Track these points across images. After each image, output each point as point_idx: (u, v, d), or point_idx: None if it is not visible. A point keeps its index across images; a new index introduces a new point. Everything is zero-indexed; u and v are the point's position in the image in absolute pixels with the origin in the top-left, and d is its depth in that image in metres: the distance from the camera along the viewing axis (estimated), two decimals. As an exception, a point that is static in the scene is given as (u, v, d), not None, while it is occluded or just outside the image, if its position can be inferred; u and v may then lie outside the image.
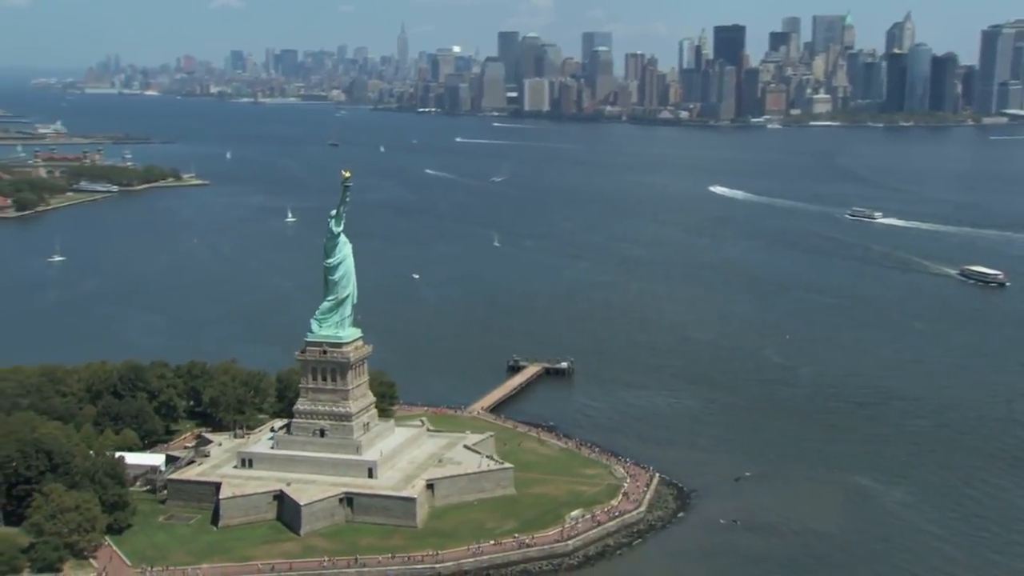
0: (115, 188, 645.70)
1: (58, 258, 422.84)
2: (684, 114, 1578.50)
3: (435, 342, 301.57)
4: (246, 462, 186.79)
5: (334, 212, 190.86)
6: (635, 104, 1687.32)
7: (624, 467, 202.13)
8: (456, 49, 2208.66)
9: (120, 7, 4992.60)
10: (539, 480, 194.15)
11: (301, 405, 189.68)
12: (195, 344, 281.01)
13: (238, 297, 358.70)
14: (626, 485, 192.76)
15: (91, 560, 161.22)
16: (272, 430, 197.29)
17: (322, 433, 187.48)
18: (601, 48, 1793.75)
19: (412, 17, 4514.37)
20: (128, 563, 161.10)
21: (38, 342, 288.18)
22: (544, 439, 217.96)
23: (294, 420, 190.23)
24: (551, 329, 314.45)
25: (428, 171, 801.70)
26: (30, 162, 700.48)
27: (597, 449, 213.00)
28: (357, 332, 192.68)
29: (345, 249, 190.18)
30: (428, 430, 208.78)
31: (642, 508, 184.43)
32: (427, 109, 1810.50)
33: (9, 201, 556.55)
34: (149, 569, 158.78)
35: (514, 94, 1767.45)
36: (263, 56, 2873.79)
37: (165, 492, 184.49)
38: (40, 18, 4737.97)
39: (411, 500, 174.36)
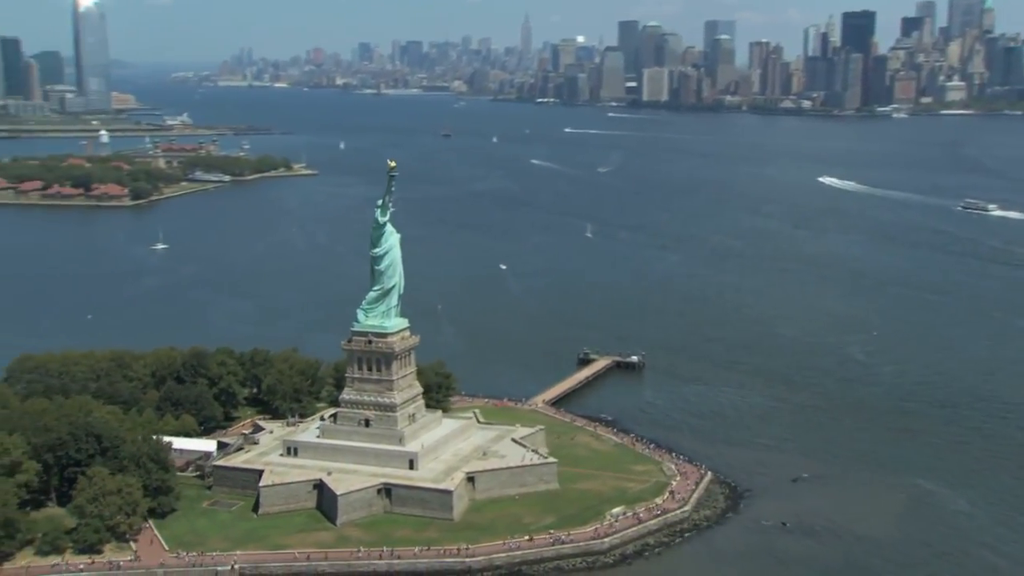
0: (227, 178, 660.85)
1: (161, 246, 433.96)
2: (806, 103, 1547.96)
3: (510, 333, 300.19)
4: (292, 450, 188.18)
5: (380, 202, 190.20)
6: (756, 94, 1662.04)
7: (676, 464, 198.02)
8: (580, 39, 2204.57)
9: (255, 1, 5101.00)
10: (586, 475, 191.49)
11: (347, 395, 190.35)
12: (274, 331, 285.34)
13: (324, 286, 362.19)
14: (674, 483, 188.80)
15: (131, 543, 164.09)
16: (322, 419, 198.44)
17: (367, 423, 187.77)
18: (723, 37, 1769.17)
19: (539, 7, 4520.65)
20: (165, 547, 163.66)
21: (125, 326, 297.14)
22: (600, 434, 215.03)
23: (340, 409, 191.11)
24: (628, 322, 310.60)
25: (534, 161, 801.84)
26: (151, 153, 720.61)
27: (652, 445, 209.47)
28: (403, 322, 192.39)
29: (391, 239, 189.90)
30: (478, 422, 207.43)
31: (687, 507, 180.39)
32: (545, 99, 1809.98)
33: (125, 190, 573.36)
34: (184, 554, 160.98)
35: (633, 84, 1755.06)
36: (389, 48, 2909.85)
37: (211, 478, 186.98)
38: (181, 15, 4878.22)
39: (448, 493, 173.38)
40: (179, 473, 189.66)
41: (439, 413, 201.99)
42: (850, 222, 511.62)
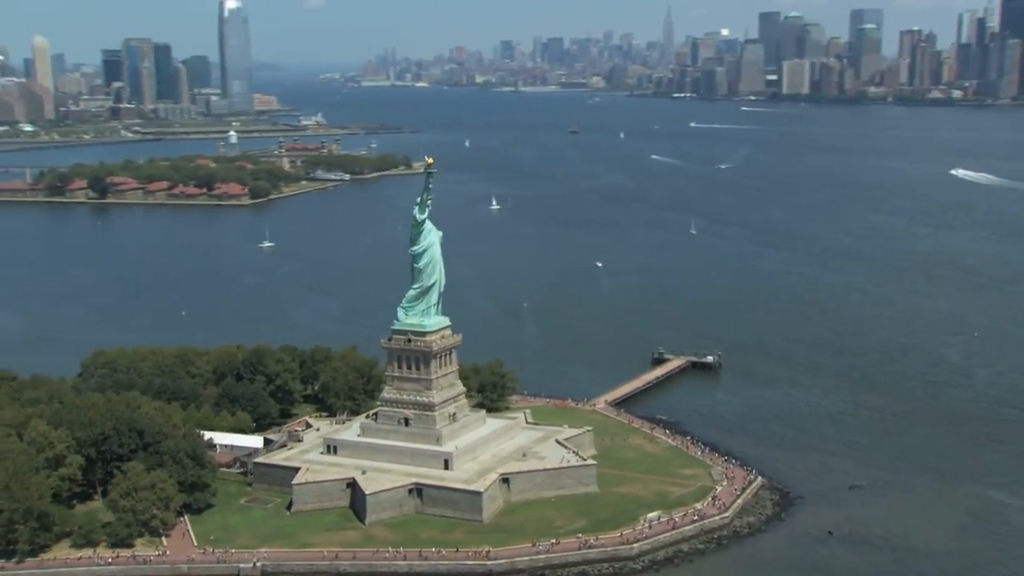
0: (347, 177, 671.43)
1: (267, 244, 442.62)
2: (957, 93, 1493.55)
3: (591, 332, 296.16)
4: (331, 448, 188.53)
5: (418, 200, 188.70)
6: (903, 84, 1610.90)
7: (727, 469, 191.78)
8: (724, 32, 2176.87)
9: (399, 1, 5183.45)
10: (629, 478, 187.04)
11: (387, 393, 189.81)
12: (354, 329, 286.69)
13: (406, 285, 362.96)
14: (719, 488, 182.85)
15: (163, 538, 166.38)
16: (367, 417, 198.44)
17: (406, 422, 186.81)
18: (869, 26, 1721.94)
19: (687, 1, 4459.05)
20: (195, 543, 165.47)
21: (214, 323, 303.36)
22: (656, 436, 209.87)
23: (381, 408, 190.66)
24: (715, 321, 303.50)
25: (654, 157, 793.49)
26: (275, 152, 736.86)
27: (707, 448, 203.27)
28: (444, 321, 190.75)
29: (430, 237, 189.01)
30: (527, 422, 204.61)
31: (727, 513, 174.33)
32: (682, 94, 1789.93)
33: (245, 189, 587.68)
34: (211, 550, 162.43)
35: (773, 77, 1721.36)
36: (530, 45, 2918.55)
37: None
38: (333, 17, 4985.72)
39: (477, 494, 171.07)
40: (224, 469, 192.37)
41: (482, 413, 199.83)
42: (976, 217, 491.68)
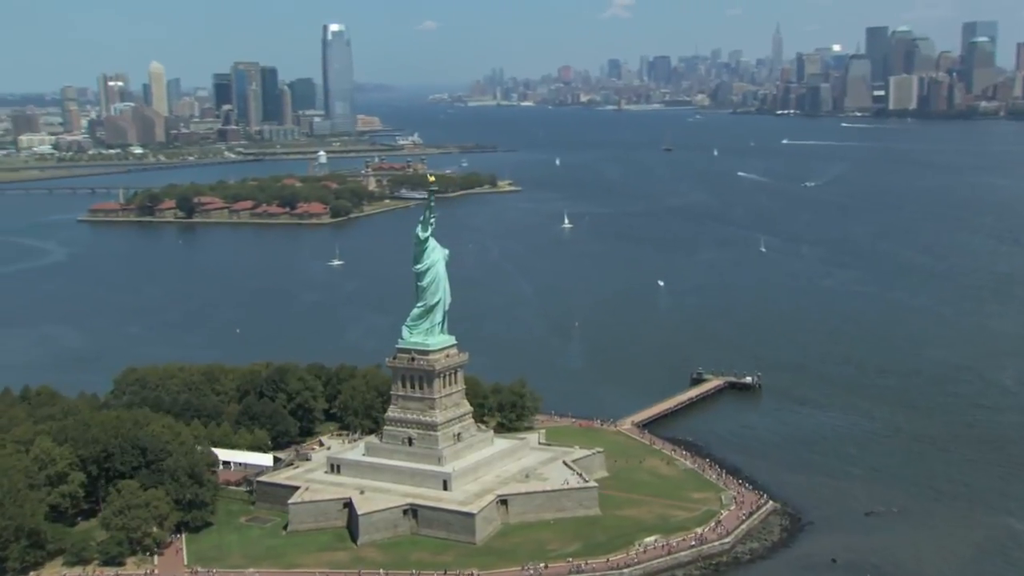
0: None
1: (337, 262, 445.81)
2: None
3: (637, 351, 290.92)
4: (335, 467, 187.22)
5: (421, 217, 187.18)
6: (1016, 98, 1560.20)
7: (739, 492, 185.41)
8: (836, 48, 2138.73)
9: (509, 22, 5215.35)
10: (635, 501, 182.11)
11: (392, 412, 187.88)
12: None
13: (471, 302, 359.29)
14: (725, 512, 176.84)
15: (156, 556, 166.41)
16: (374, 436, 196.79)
17: (410, 442, 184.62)
18: (981, 39, 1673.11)
19: (796, 17, 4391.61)
20: (185, 562, 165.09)
21: (265, 340, 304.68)
22: (675, 458, 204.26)
23: (385, 427, 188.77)
24: (766, 341, 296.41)
25: (741, 174, 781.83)
26: (362, 172, 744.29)
27: (724, 471, 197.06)
28: (449, 339, 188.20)
29: (434, 255, 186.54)
30: (539, 443, 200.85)
31: (728, 538, 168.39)
32: (786, 111, 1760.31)
33: (326, 208, 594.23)
34: (200, 570, 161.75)
35: (880, 93, 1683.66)
36: (637, 63, 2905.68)
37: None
38: (445, 38, 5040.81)
39: (470, 515, 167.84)
40: (233, 487, 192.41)
41: (490, 433, 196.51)
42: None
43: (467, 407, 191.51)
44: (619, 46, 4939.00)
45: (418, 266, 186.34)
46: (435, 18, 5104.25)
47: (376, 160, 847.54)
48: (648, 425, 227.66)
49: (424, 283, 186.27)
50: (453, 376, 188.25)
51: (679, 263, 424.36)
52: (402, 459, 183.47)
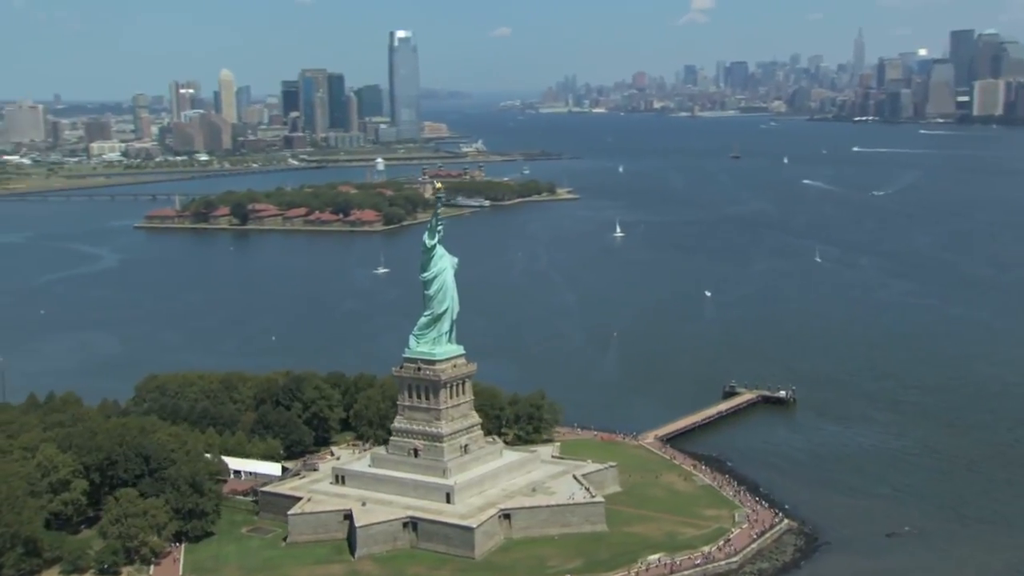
0: (486, 203, 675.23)
1: (382, 270, 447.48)
2: None
3: (674, 363, 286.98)
4: (340, 479, 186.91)
5: (429, 225, 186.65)
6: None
7: (754, 510, 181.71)
8: (922, 52, 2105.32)
9: (584, 28, 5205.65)
10: (644, 518, 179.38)
11: (398, 423, 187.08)
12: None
13: (512, 311, 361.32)
14: (736, 530, 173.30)
15: (152, 565, 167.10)
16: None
17: (415, 453, 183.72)
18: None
19: (885, 21, 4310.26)
20: (180, 573, 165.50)
21: (298, 348, 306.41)
22: (694, 473, 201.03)
23: (391, 438, 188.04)
24: (808, 354, 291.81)
25: (806, 182, 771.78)
26: (419, 179, 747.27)
27: (743, 488, 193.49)
28: (456, 349, 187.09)
29: (441, 263, 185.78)
30: (551, 456, 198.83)
31: (736, 558, 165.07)
32: (864, 118, 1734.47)
33: (379, 216, 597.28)
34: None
35: (965, 99, 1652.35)
36: (714, 69, 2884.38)
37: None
38: (518, 44, 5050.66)
39: (469, 530, 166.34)
40: (240, 497, 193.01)
41: (499, 445, 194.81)
42: None
43: (475, 419, 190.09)
44: (695, 52, 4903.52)
45: (425, 274, 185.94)
46: (509, 24, 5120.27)
47: (438, 167, 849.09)
48: (672, 439, 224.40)
49: (431, 291, 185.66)
50: (461, 387, 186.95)
51: (729, 273, 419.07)
52: (407, 471, 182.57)
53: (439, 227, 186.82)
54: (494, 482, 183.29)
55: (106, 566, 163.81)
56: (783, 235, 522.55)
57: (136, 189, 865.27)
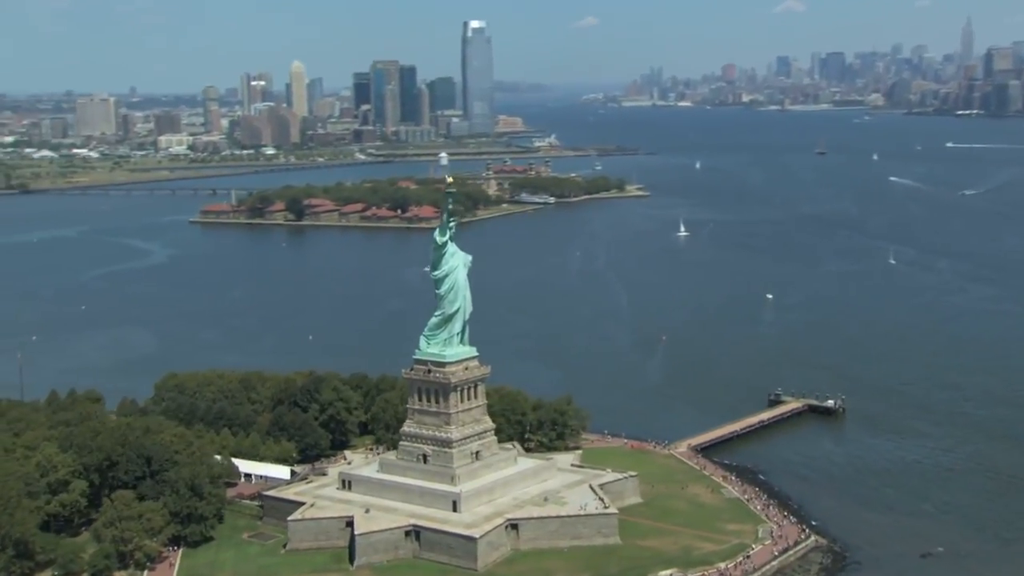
0: (551, 200, 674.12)
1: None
2: None
3: (720, 368, 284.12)
4: (346, 484, 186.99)
5: (440, 221, 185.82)
6: None
7: (780, 526, 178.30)
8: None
9: (673, 18, 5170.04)
10: (662, 531, 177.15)
11: (407, 427, 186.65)
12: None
13: (560, 313, 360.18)
14: (758, 546, 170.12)
15: (146, 570, 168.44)
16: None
17: (424, 459, 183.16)
18: None
19: (1000, 7, 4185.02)
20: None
21: (333, 348, 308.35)
22: (723, 485, 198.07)
23: (401, 443, 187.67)
24: (868, 361, 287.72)
25: (892, 179, 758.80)
26: (483, 175, 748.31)
27: (773, 502, 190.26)
28: (468, 351, 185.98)
29: (452, 261, 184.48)
30: (571, 464, 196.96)
31: (755, 575, 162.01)
32: (967, 111, 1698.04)
33: (437, 212, 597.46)
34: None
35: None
36: (808, 61, 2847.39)
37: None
38: (605, 35, 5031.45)
39: (472, 540, 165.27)
40: (244, 501, 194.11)
41: (513, 452, 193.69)
42: None
43: (488, 424, 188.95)
44: (790, 42, 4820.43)
45: (436, 273, 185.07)
46: (596, 14, 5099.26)
47: (504, 162, 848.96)
48: (706, 449, 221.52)
49: (442, 291, 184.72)
50: (472, 390, 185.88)
51: (795, 275, 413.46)
52: (415, 477, 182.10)
53: (451, 224, 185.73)
54: (505, 490, 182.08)
55: (98, 570, 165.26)
56: (859, 236, 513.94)
57: (197, 183, 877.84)
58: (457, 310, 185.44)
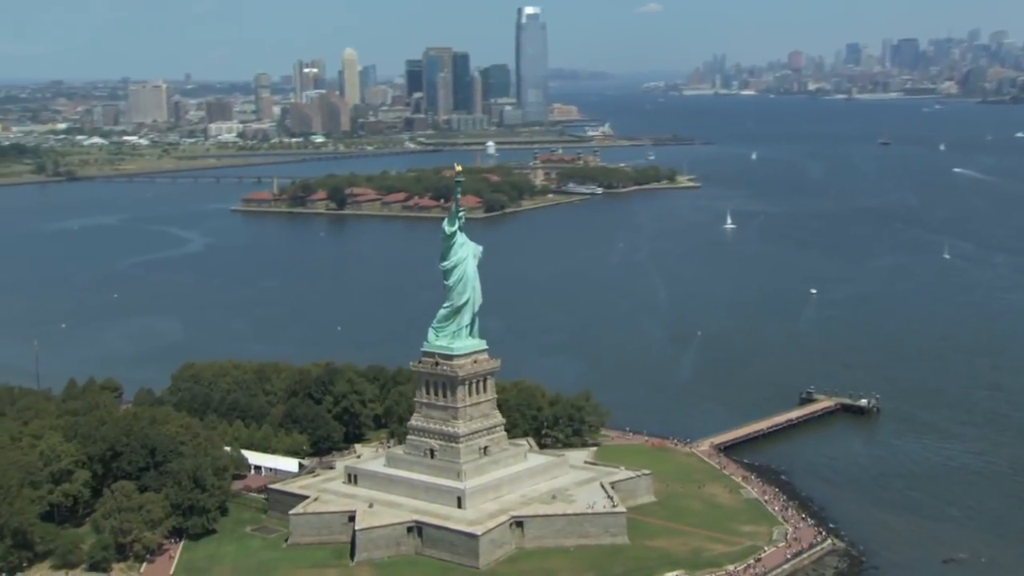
0: (599, 190, 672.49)
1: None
2: None
3: (752, 365, 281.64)
4: (352, 478, 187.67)
5: (449, 211, 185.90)
6: None
7: (796, 528, 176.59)
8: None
9: (738, 4, 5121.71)
10: (673, 531, 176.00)
11: (414, 421, 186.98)
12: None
13: (591, 306, 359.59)
14: (771, 549, 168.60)
15: (144, 563, 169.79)
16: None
17: (432, 453, 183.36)
18: None
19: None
20: (171, 572, 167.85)
21: (360, 339, 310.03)
22: (743, 485, 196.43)
23: (408, 437, 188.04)
24: (910, 359, 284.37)
25: (957, 170, 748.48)
26: (530, 164, 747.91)
27: (792, 503, 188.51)
28: (477, 344, 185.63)
29: (461, 252, 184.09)
30: (584, 462, 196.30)
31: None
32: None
33: (479, 202, 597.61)
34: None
35: None
36: (879, 48, 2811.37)
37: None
38: (668, 21, 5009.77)
39: (474, 537, 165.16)
40: (252, 494, 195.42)
41: (523, 448, 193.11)
42: None
43: (498, 419, 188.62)
44: (860, 28, 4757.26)
45: (444, 263, 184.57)
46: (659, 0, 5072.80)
47: (552, 151, 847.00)
48: (729, 448, 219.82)
49: (450, 282, 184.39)
50: (481, 384, 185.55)
51: (844, 270, 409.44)
52: (420, 472, 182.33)
53: (460, 213, 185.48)
54: (513, 487, 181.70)
55: (96, 562, 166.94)
56: (916, 229, 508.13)
57: (243, 171, 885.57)
58: (466, 302, 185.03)
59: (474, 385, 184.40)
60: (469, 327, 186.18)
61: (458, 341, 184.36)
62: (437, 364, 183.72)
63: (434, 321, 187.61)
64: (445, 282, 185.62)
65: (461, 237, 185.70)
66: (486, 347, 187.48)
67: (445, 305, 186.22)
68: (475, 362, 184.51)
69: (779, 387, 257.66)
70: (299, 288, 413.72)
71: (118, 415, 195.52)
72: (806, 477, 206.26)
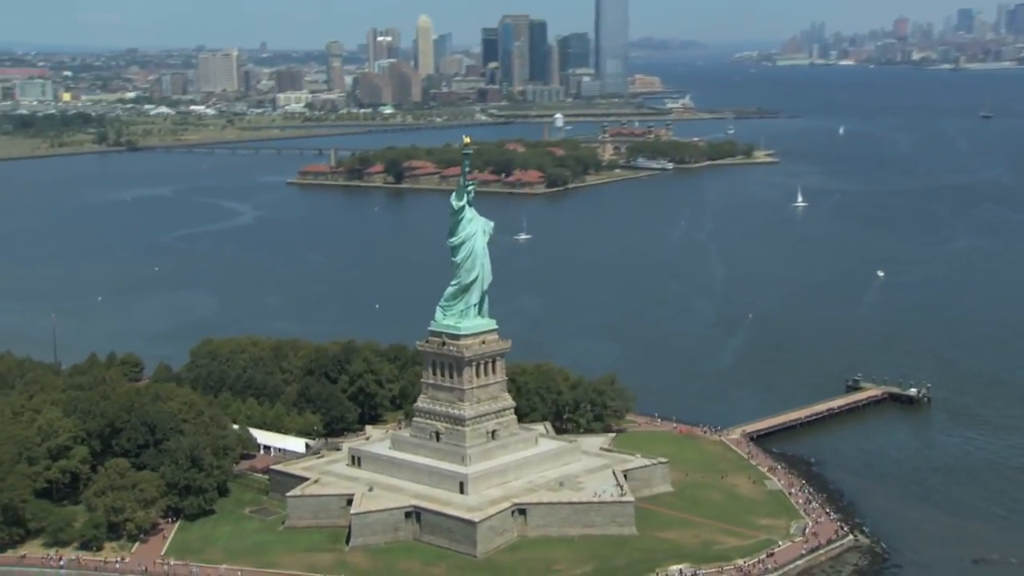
0: (669, 165, 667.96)
1: (524, 236, 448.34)
2: None
3: (802, 350, 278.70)
4: (356, 460, 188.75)
5: (458, 185, 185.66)
6: None
7: (818, 522, 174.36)
8: None
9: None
10: (685, 523, 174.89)
11: (420, 403, 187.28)
12: (528, 334, 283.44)
13: (648, 285, 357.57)
14: (786, 543, 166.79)
15: (136, 542, 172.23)
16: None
17: (437, 436, 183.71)
18: None
19: None
20: (162, 552, 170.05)
21: (398, 317, 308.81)
22: (768, 476, 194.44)
23: (414, 419, 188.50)
24: (972, 347, 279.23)
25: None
26: (599, 138, 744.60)
27: (820, 496, 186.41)
28: (486, 324, 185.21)
29: (470, 228, 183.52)
30: (601, 448, 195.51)
31: (775, 574, 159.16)
32: None
33: (541, 177, 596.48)
34: (172, 562, 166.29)
35: None
36: (994, 13, 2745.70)
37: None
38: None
39: (471, 524, 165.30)
40: (256, 474, 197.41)
41: (534, 433, 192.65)
42: None
43: (508, 402, 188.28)
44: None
45: (452, 239, 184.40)
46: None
47: (624, 124, 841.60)
48: (761, 437, 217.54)
49: (458, 259, 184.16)
50: (490, 365, 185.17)
51: (917, 251, 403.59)
52: (425, 455, 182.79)
53: (468, 187, 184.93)
54: (520, 473, 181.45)
55: (87, 540, 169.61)
56: (1003, 209, 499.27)
57: (305, 143, 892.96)
58: (474, 280, 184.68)
59: (482, 366, 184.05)
60: (478, 306, 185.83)
61: (466, 320, 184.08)
62: (444, 344, 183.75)
63: (441, 300, 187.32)
64: (453, 259, 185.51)
65: (470, 212, 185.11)
66: (496, 327, 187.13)
67: (453, 283, 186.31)
68: (483, 342, 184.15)
69: (827, 374, 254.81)
70: (344, 264, 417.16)
71: (120, 391, 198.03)
72: (837, 469, 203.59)
